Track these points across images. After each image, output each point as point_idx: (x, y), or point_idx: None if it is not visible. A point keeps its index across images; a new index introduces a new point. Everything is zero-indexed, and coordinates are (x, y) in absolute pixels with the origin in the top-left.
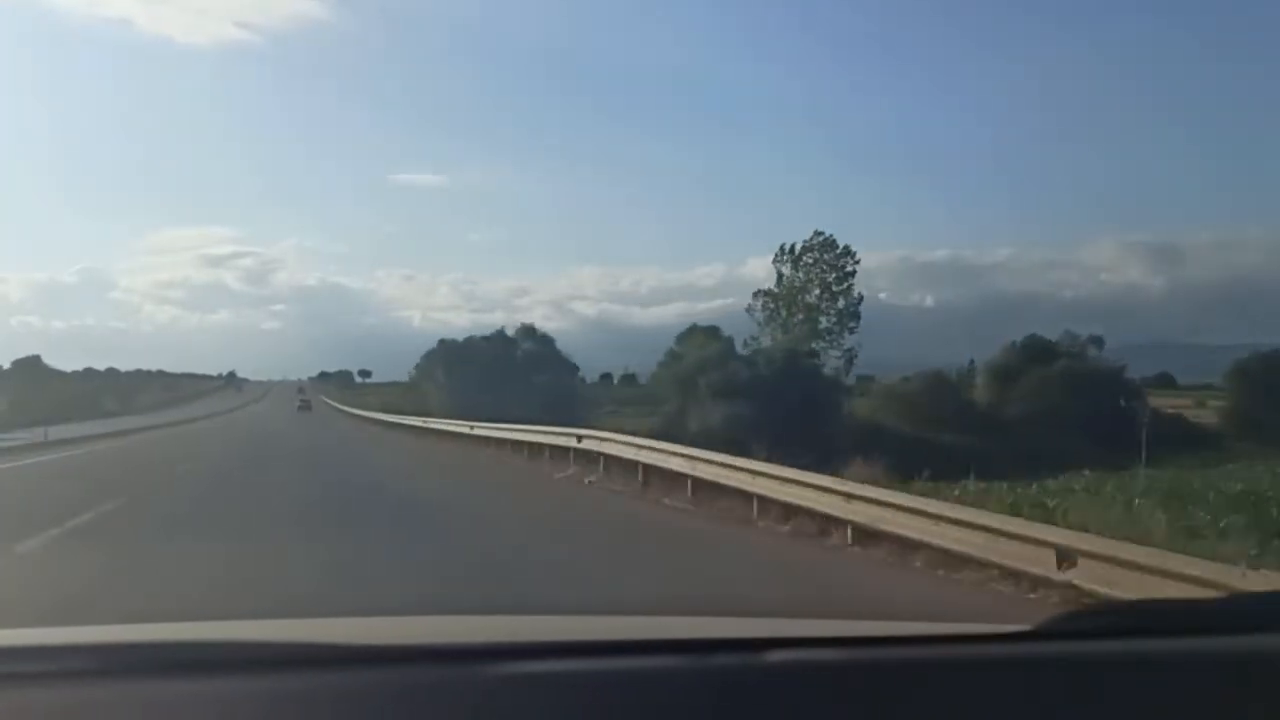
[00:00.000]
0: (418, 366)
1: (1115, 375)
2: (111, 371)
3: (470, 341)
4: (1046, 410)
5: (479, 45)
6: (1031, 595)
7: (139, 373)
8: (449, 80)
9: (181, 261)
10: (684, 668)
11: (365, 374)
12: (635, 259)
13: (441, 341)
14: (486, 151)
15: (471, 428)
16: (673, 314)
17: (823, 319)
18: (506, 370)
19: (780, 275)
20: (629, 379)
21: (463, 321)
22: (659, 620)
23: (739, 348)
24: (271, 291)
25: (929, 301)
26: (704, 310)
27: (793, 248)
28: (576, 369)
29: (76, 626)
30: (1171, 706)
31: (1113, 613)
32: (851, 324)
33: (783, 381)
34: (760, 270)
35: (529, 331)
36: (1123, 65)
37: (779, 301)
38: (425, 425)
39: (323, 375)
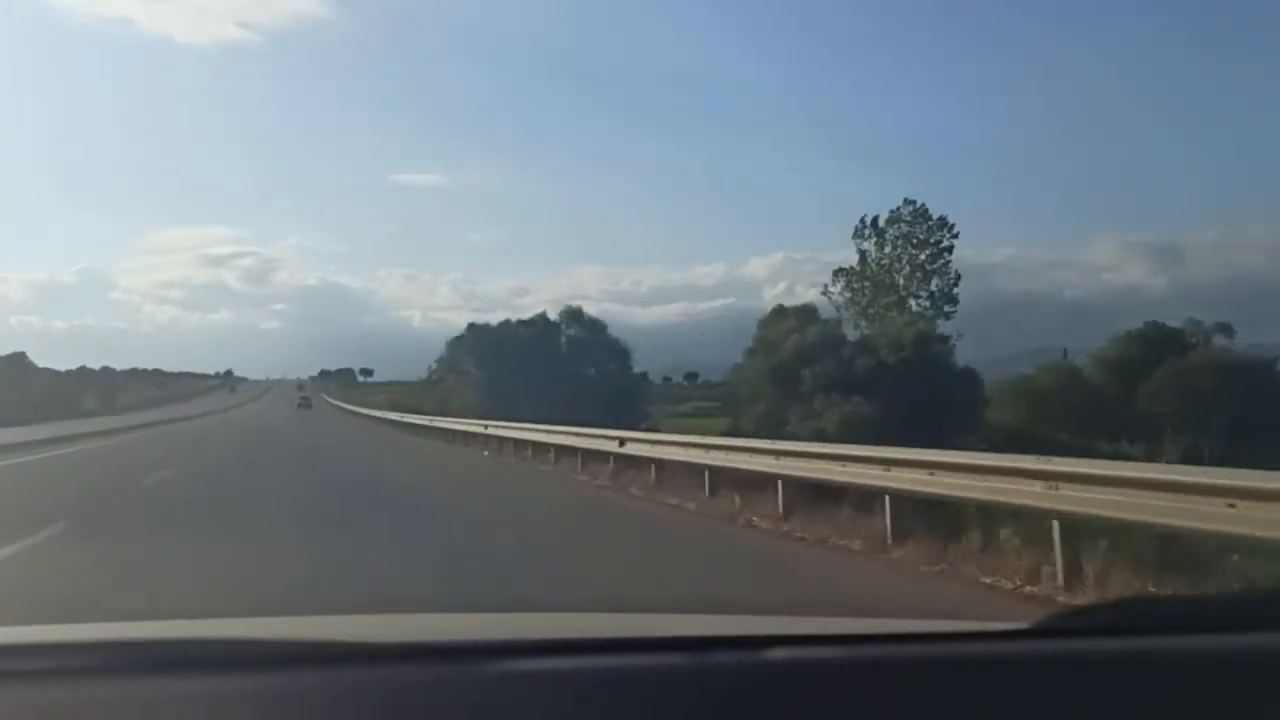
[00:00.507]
0: (440, 359)
1: (1265, 369)
2: (106, 370)
3: (506, 327)
4: (1187, 409)
5: (479, 45)
6: None
7: (134, 371)
8: (449, 80)
9: (182, 261)
10: (684, 665)
11: (367, 373)
12: (636, 259)
13: (472, 327)
14: (486, 151)
15: (621, 443)
16: (673, 314)
17: (913, 302)
18: (550, 360)
19: (862, 253)
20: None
21: (463, 321)
22: (659, 618)
23: None
24: (272, 291)
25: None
26: (705, 310)
27: (875, 220)
28: (631, 358)
29: (73, 624)
30: (1171, 705)
31: (1112, 610)
32: (949, 308)
33: (912, 374)
34: (761, 270)
35: (575, 315)
36: (1123, 65)
37: (864, 282)
38: (486, 431)
39: (323, 374)
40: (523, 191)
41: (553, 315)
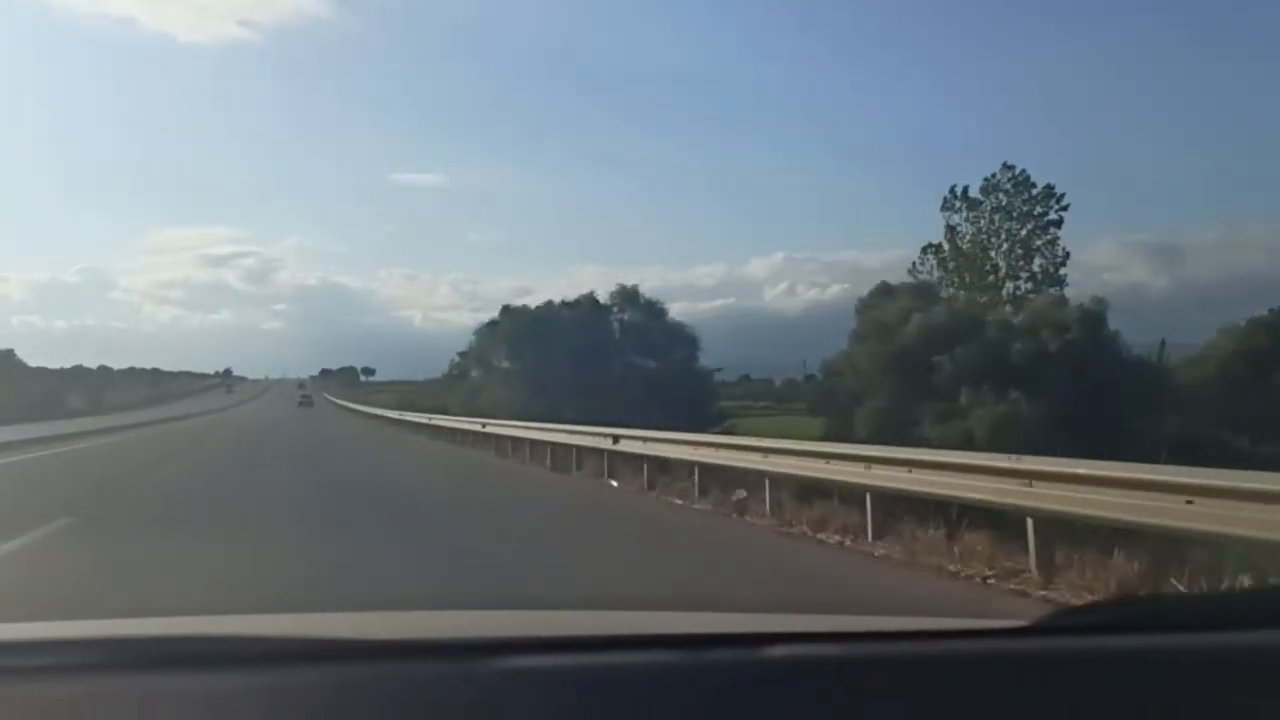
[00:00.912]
0: (465, 351)
1: None
2: (103, 369)
3: (549, 309)
4: None
5: (479, 45)
6: None
7: (131, 371)
8: (449, 80)
9: (182, 261)
10: (683, 663)
11: (369, 372)
12: (636, 259)
13: (506, 309)
14: (486, 151)
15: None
16: (674, 314)
17: (1010, 285)
18: (600, 349)
19: (950, 228)
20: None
21: (464, 321)
22: (658, 615)
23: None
24: (273, 291)
25: None
26: (705, 310)
27: (965, 190)
28: (698, 348)
29: (73, 621)
30: (1169, 703)
31: (1110, 608)
32: (1053, 291)
33: (1083, 363)
34: (761, 270)
35: (629, 296)
36: (1122, 65)
37: (958, 260)
38: (616, 446)
39: (324, 373)
40: (523, 191)
41: (602, 297)
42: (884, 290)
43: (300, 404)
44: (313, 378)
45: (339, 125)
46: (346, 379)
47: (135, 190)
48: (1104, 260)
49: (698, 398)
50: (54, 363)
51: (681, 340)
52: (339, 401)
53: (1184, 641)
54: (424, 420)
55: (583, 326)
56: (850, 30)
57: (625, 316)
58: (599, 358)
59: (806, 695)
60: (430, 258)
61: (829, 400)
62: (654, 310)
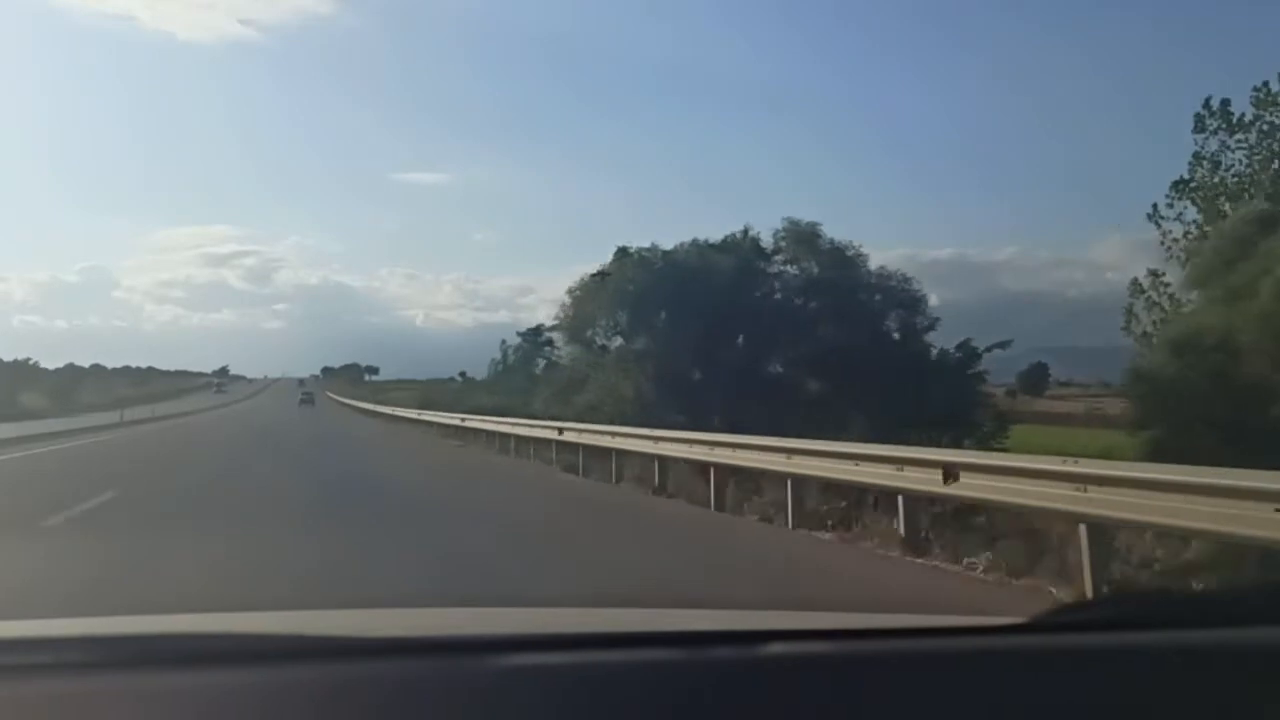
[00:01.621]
0: (528, 333)
1: None
2: (97, 368)
3: (696, 250)
4: None
5: (481, 44)
6: None
7: (126, 370)
8: (451, 79)
9: (183, 260)
10: (682, 660)
11: (372, 370)
12: None
13: (623, 251)
14: (488, 151)
15: None
16: None
17: None
18: (771, 318)
19: (1201, 159)
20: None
21: (465, 320)
22: (658, 613)
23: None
24: (274, 290)
25: (933, 300)
26: None
27: (1223, 106)
28: (925, 308)
29: (74, 619)
30: (1167, 699)
31: (1108, 605)
32: None
33: None
34: None
35: (804, 237)
36: (1126, 66)
37: (1214, 204)
38: None
39: (326, 372)
40: (523, 191)
41: (766, 239)
42: (1246, 219)
43: (301, 403)
44: (315, 376)
45: (340, 124)
46: (350, 377)
47: (136, 189)
48: (1108, 259)
49: (938, 393)
50: (55, 362)
51: (900, 301)
52: (347, 401)
53: (1182, 638)
54: (615, 441)
55: (735, 281)
56: (855, 32)
57: (799, 268)
58: (766, 329)
59: (805, 692)
60: (432, 257)
61: (1163, 403)
62: (844, 259)
